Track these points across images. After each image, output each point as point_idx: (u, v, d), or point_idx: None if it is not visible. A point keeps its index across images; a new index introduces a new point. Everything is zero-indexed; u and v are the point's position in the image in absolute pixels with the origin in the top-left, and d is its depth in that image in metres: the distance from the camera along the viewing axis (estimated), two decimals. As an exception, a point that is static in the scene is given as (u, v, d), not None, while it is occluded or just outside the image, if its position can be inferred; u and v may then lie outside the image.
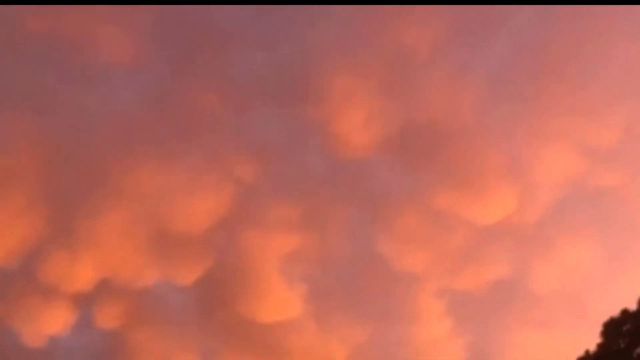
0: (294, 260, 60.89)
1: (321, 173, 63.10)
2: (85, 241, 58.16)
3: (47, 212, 57.83)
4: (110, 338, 59.37)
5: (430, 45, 61.14)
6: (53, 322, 58.05)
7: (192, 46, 61.29)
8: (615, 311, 38.53)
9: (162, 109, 61.46)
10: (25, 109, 58.32)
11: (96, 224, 58.24)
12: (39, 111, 59.09)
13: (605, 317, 38.71)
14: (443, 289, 61.78)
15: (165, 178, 59.85)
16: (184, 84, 61.16)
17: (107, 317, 59.05)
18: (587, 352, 39.13)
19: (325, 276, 62.19)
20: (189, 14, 61.30)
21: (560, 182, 61.84)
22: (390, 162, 63.54)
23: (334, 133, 60.60)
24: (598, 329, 38.77)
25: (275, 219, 60.73)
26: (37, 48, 58.79)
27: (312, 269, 62.06)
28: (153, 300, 61.21)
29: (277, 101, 62.16)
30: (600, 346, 38.51)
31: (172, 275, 60.60)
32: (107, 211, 58.55)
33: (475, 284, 60.84)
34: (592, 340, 38.90)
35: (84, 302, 59.02)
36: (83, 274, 57.83)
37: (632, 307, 38.10)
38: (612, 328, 38.20)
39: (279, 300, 59.16)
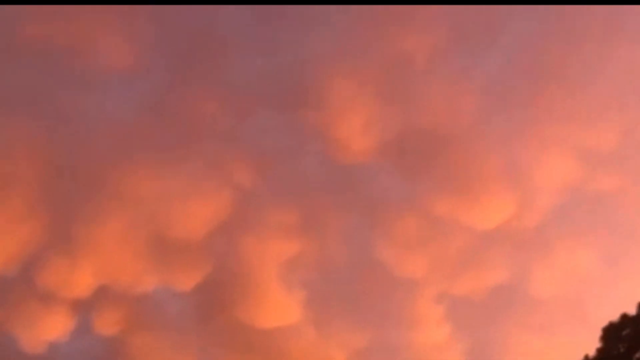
0: (293, 266, 60.94)
1: (320, 179, 63.22)
2: (84, 247, 58.18)
3: (46, 218, 57.87)
4: (109, 344, 59.35)
5: (429, 51, 61.29)
6: (52, 328, 58.02)
7: (192, 52, 61.41)
8: (614, 316, 38.66)
9: (161, 114, 61.57)
10: (24, 115, 58.42)
11: (95, 230, 58.28)
12: (38, 117, 59.19)
13: (604, 322, 38.82)
14: (442, 294, 61.87)
15: (164, 184, 59.90)
16: (183, 90, 61.28)
17: (106, 323, 59.03)
18: (586, 356, 39.17)
19: (325, 281, 62.24)
20: (188, 20, 61.52)
21: (559, 187, 61.96)
22: (389, 167, 63.68)
23: (334, 139, 60.69)
24: (597, 333, 38.86)
25: (275, 225, 60.78)
26: (37, 54, 58.86)
27: (311, 274, 62.12)
28: (152, 306, 61.26)
29: (277, 107, 62.28)
30: (599, 351, 38.55)
31: (171, 281, 60.63)
32: (106, 217, 58.60)
33: (475, 289, 60.89)
34: (591, 345, 38.99)
35: (83, 308, 59.04)
36: (82, 280, 57.82)
37: (632, 311, 38.17)
38: (612, 333, 38.24)
39: (278, 306, 59.14)
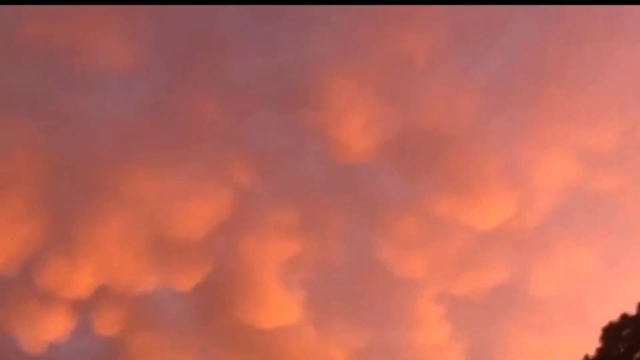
0: (293, 266, 60.93)
1: (320, 179, 63.22)
2: (84, 247, 58.18)
3: (46, 218, 57.87)
4: (109, 344, 59.36)
5: (429, 51, 61.30)
6: (52, 328, 58.04)
7: (192, 52, 61.39)
8: (614, 316, 38.66)
9: (161, 115, 61.57)
10: (24, 115, 58.42)
11: (95, 230, 58.29)
12: (38, 117, 59.18)
13: (604, 322, 38.82)
14: (442, 294, 61.88)
15: (164, 184, 59.89)
16: (183, 90, 61.28)
17: (106, 323, 59.04)
18: (586, 356, 39.17)
19: (325, 281, 62.24)
20: (188, 20, 61.53)
21: (559, 187, 61.97)
22: (389, 167, 63.68)
23: (333, 139, 60.69)
24: (597, 333, 38.85)
25: (274, 225, 60.79)
26: (37, 54, 58.89)
27: (311, 274, 62.12)
28: (152, 306, 61.26)
29: (277, 107, 62.28)
30: (599, 351, 38.55)
31: (171, 281, 60.63)
32: (106, 217, 58.61)
33: (475, 289, 60.89)
34: (591, 345, 38.99)
35: (83, 308, 59.05)
36: (82, 280, 57.82)
37: (632, 311, 38.17)
38: (612, 333, 38.24)
39: (278, 306, 59.14)
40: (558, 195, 62.10)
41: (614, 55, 61.39)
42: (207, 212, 59.25)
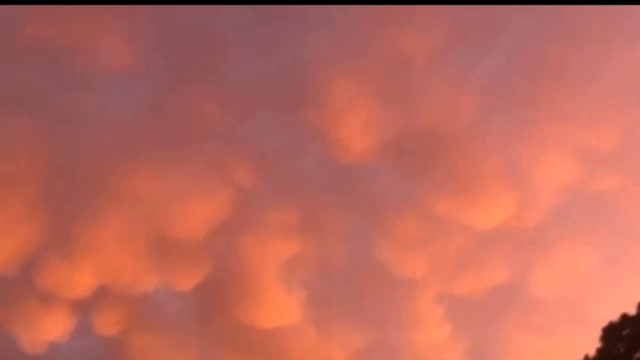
0: (293, 266, 60.94)
1: (320, 179, 63.22)
2: (84, 247, 58.17)
3: (46, 219, 57.87)
4: (109, 344, 59.36)
5: (429, 51, 61.31)
6: (52, 328, 58.04)
7: (191, 52, 61.40)
8: (614, 316, 38.68)
9: (161, 115, 61.58)
10: (24, 115, 58.42)
11: (95, 230, 58.29)
12: (38, 117, 59.18)
13: (604, 322, 38.84)
14: (442, 294, 61.89)
15: (164, 184, 59.89)
16: (183, 90, 61.27)
17: (106, 323, 59.04)
18: (586, 356, 39.20)
19: (325, 281, 62.25)
20: (188, 20, 61.53)
21: (559, 187, 61.99)
22: (389, 167, 63.68)
23: (333, 139, 60.70)
24: (597, 333, 38.87)
25: (274, 225, 60.79)
26: (37, 54, 58.89)
27: (311, 274, 62.13)
28: (152, 306, 61.27)
29: (276, 107, 62.29)
30: (599, 351, 38.57)
31: (171, 281, 60.64)
32: (106, 217, 58.61)
33: (475, 289, 60.90)
34: (591, 345, 39.01)
35: (83, 308, 59.06)
36: (82, 280, 57.82)
37: (632, 311, 38.19)
38: (612, 333, 38.25)
39: (278, 306, 59.14)
40: (558, 195, 62.21)
41: (614, 55, 61.47)
42: (207, 212, 59.31)
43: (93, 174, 59.16)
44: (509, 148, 62.80)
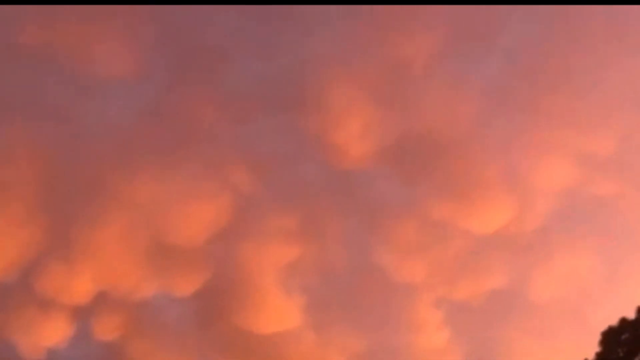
0: (293, 271, 60.89)
1: (319, 183, 63.17)
2: (83, 253, 58.14)
3: (45, 224, 57.82)
4: (109, 350, 59.26)
5: (428, 56, 61.36)
6: (51, 334, 57.96)
7: (190, 56, 61.47)
8: (613, 320, 38.59)
9: (160, 119, 61.58)
10: (23, 120, 58.45)
11: (94, 235, 58.23)
12: (37, 121, 59.24)
13: (603, 326, 38.75)
14: (441, 298, 61.80)
15: (163, 189, 59.87)
16: (181, 95, 61.29)
17: (106, 329, 58.95)
18: (585, 361, 39.16)
19: (324, 287, 62.19)
20: (188, 24, 61.61)
21: (558, 191, 61.96)
22: (388, 172, 63.65)
23: (332, 143, 60.69)
24: (596, 338, 38.81)
25: (274, 230, 60.76)
26: (37, 57, 58.98)
27: (311, 279, 62.05)
28: (151, 312, 61.17)
29: (275, 111, 62.31)
30: (598, 355, 38.50)
31: (170, 287, 60.57)
32: (105, 223, 58.55)
33: (474, 294, 60.84)
34: (590, 350, 38.94)
35: (82, 314, 58.94)
36: (81, 286, 57.77)
37: (631, 316, 38.12)
38: (611, 337, 38.19)
39: (277, 311, 59.09)
40: (557, 199, 62.18)
41: (614, 60, 61.54)
42: (206, 217, 59.28)
43: (93, 178, 59.21)
44: (508, 152, 62.89)
